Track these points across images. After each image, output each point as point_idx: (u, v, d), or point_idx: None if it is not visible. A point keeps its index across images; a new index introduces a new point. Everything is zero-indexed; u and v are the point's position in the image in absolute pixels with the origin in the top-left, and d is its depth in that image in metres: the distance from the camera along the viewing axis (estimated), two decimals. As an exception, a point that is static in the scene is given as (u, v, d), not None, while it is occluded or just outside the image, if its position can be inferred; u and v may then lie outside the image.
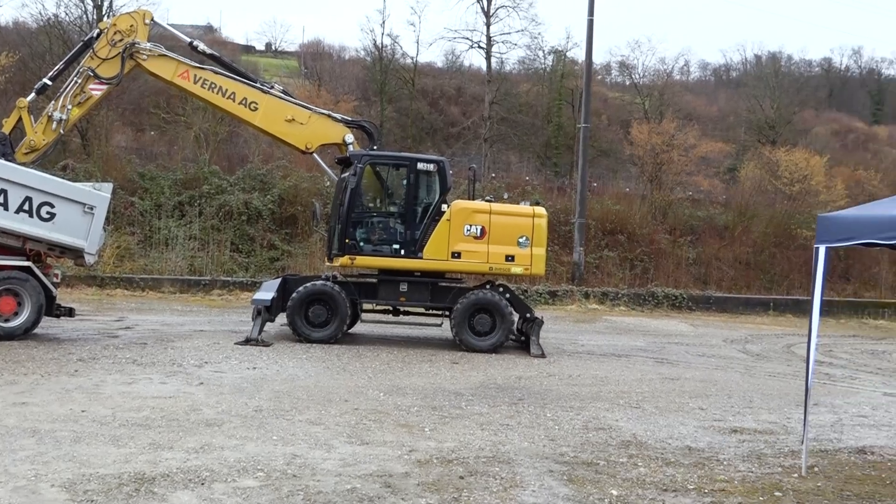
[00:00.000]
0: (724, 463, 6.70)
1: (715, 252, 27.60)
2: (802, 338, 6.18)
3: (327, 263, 14.13)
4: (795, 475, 6.38)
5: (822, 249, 6.31)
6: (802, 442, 6.59)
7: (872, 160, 43.69)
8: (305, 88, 33.68)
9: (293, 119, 13.41)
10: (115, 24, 12.92)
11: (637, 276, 25.41)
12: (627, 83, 49.61)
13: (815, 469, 6.62)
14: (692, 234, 28.18)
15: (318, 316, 12.59)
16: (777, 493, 5.85)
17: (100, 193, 11.83)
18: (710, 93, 59.10)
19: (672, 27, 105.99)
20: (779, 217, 29.54)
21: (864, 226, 6.10)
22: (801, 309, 22.81)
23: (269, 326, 12.90)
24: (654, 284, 24.48)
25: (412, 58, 41.93)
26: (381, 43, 40.33)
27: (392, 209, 13.47)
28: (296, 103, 13.81)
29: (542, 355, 12.58)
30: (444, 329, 13.29)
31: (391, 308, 13.47)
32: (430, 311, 13.43)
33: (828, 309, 23.77)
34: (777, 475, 6.38)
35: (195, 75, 13.13)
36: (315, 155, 13.89)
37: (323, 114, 13.94)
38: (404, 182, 13.21)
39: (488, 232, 12.80)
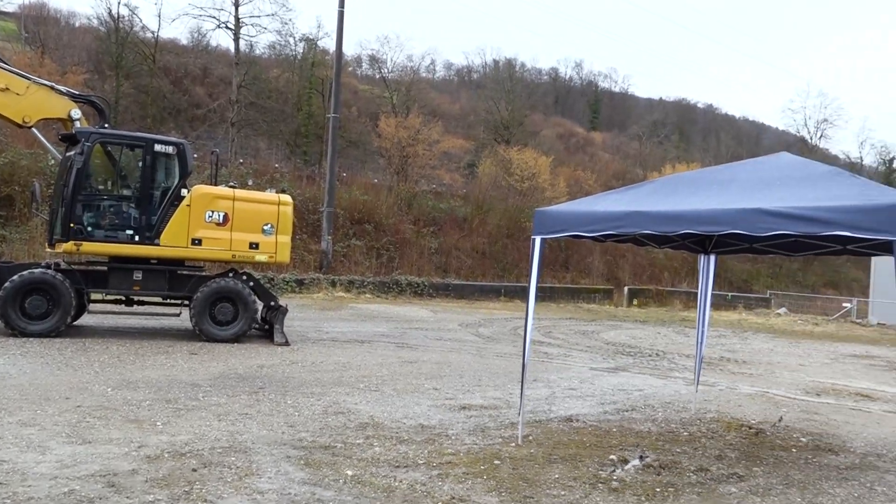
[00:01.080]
0: (453, 437, 7.21)
1: (455, 242, 29.35)
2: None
3: (49, 250, 12.88)
4: (513, 444, 7.05)
5: (538, 240, 7.02)
6: (519, 414, 7.32)
7: (589, 162, 49.17)
8: (26, 55, 30.24)
9: (7, 88, 12.09)
10: None
11: (383, 264, 26.25)
12: (377, 77, 50.76)
13: (530, 438, 7.36)
14: (435, 225, 29.72)
15: (36, 307, 11.48)
16: (496, 462, 6.43)
17: None
18: (453, 91, 62.48)
19: (419, 26, 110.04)
20: (511, 211, 32.14)
21: (572, 220, 6.89)
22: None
23: (-26, 320, 11.48)
24: (399, 273, 25.44)
25: (153, 32, 39.36)
26: (118, 13, 37.41)
27: (125, 192, 12.62)
28: (11, 71, 12.41)
29: (286, 343, 12.55)
30: (184, 319, 12.75)
31: (124, 298, 12.65)
32: (168, 301, 12.81)
33: (549, 294, 26.38)
34: (497, 445, 7.00)
35: None
36: (35, 130, 12.63)
37: (45, 85, 12.68)
38: (139, 164, 12.42)
39: (231, 219, 12.51)
